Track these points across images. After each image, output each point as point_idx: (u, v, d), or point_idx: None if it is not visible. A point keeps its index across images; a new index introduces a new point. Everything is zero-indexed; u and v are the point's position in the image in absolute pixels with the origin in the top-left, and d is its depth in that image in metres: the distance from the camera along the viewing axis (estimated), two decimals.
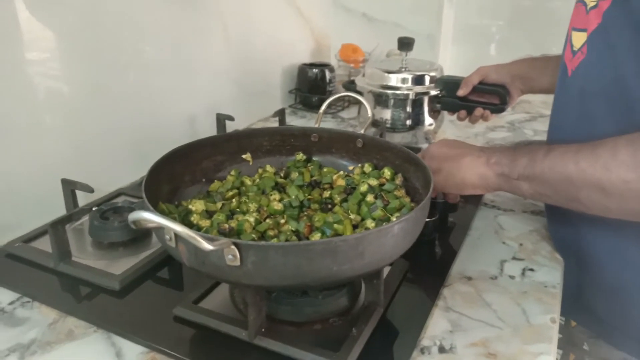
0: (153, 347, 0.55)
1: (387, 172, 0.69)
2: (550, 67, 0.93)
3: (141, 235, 0.74)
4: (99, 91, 0.86)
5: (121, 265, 0.67)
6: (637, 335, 0.70)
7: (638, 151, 0.53)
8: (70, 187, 0.77)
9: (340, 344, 0.54)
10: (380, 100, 1.10)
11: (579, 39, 0.66)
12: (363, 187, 0.67)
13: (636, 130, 0.55)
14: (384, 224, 0.60)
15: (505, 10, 1.56)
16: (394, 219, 0.61)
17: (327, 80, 1.38)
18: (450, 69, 1.61)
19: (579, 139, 0.60)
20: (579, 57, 0.66)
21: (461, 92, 1.02)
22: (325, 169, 0.74)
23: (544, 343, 0.57)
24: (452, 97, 1.05)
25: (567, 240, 0.74)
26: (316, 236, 0.58)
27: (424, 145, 1.12)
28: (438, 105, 1.09)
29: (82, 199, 0.80)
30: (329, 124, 1.30)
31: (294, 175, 0.72)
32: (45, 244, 0.69)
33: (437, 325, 0.60)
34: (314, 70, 1.38)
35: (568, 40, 0.69)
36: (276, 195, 0.67)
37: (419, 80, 1.08)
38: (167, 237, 0.49)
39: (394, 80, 1.08)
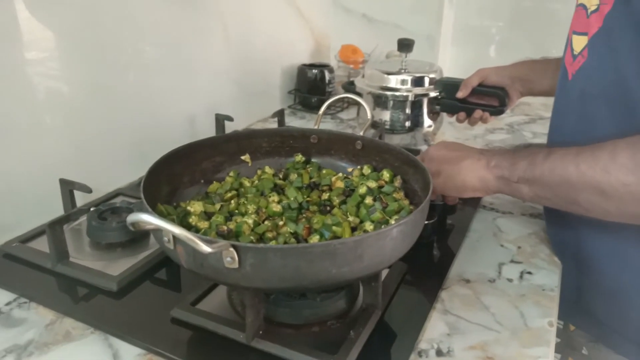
0: (150, 348, 0.55)
1: (386, 174, 0.69)
2: (550, 70, 0.93)
3: (139, 236, 0.74)
4: (98, 91, 0.86)
5: (119, 266, 0.67)
6: (636, 338, 0.70)
7: (637, 154, 0.53)
8: (68, 187, 0.77)
9: (338, 347, 0.54)
10: (379, 101, 1.10)
11: (579, 42, 0.66)
12: (362, 189, 0.67)
13: (637, 132, 0.55)
14: (383, 226, 0.60)
15: (505, 11, 1.56)
16: (393, 222, 0.61)
17: (327, 81, 1.38)
18: (450, 70, 1.61)
19: (579, 141, 0.60)
20: (579, 60, 0.66)
21: (460, 94, 1.02)
22: (324, 171, 0.74)
23: (542, 346, 0.57)
24: (452, 99, 1.05)
25: (566, 243, 0.74)
26: (315, 238, 0.58)
27: (423, 147, 1.12)
28: (437, 107, 1.09)
29: (81, 199, 0.80)
30: (328, 124, 1.30)
31: (293, 176, 0.72)
32: (43, 244, 0.69)
33: (435, 328, 0.60)
34: (314, 71, 1.38)
35: (568, 44, 0.69)
36: (275, 197, 0.67)
37: (418, 81, 1.08)
38: (166, 239, 0.48)
39: (393, 81, 1.08)
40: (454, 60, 1.66)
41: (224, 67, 1.16)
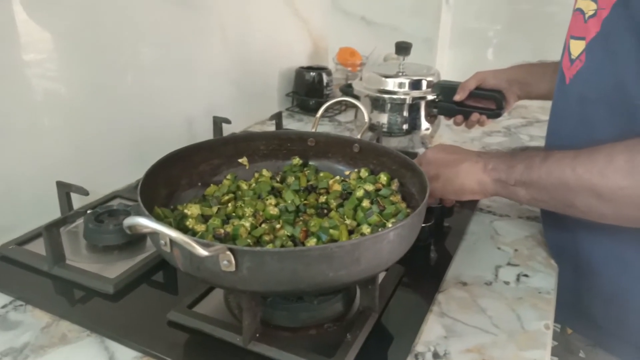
0: (147, 351, 0.55)
1: (383, 178, 0.69)
2: (547, 74, 0.93)
3: (136, 238, 0.74)
4: (96, 93, 0.86)
5: (116, 269, 0.67)
6: (634, 341, 0.70)
7: (634, 158, 0.53)
8: (65, 190, 0.77)
9: (335, 350, 0.54)
10: (377, 104, 1.11)
11: (577, 47, 0.66)
12: (359, 192, 0.67)
13: (635, 135, 0.55)
14: (380, 229, 0.60)
15: (503, 14, 1.57)
16: (390, 225, 0.61)
17: (325, 84, 1.38)
18: (448, 73, 1.62)
19: (578, 145, 0.60)
20: (577, 65, 0.66)
21: (458, 97, 1.03)
22: (321, 174, 0.74)
23: (539, 349, 0.57)
24: (449, 102, 1.05)
25: (563, 246, 0.75)
26: (312, 241, 0.58)
27: (421, 150, 1.13)
28: (435, 110, 1.10)
29: (78, 201, 0.80)
30: (325, 127, 1.30)
31: (290, 179, 0.72)
32: (39, 247, 0.69)
33: (431, 330, 0.60)
34: (312, 73, 1.38)
35: (566, 49, 0.69)
36: (272, 200, 0.67)
37: (416, 84, 1.08)
38: (162, 242, 0.48)
39: (391, 84, 1.09)
40: (451, 63, 1.66)
41: (222, 69, 1.16)
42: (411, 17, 1.54)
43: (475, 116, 1.03)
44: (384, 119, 1.10)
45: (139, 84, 0.94)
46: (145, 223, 0.43)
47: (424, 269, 0.73)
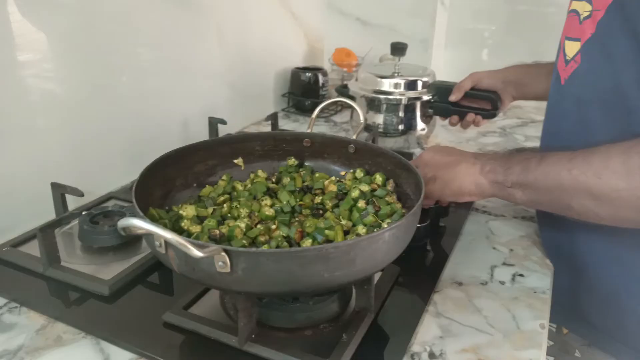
0: (142, 353, 0.55)
1: (378, 178, 0.69)
2: (542, 74, 0.94)
3: (131, 239, 0.73)
4: (92, 93, 0.86)
5: (111, 270, 0.67)
6: (631, 342, 0.70)
7: (630, 160, 0.53)
8: (60, 191, 0.76)
9: (331, 350, 0.54)
10: (372, 104, 1.11)
11: (572, 48, 0.66)
12: (354, 193, 0.67)
13: (631, 137, 0.55)
14: (375, 230, 0.60)
15: (499, 15, 1.57)
16: (385, 225, 0.61)
17: (320, 84, 1.38)
18: (444, 73, 1.62)
19: (573, 145, 0.61)
20: (572, 66, 0.66)
21: (453, 98, 1.03)
22: (317, 174, 0.74)
23: (534, 349, 0.58)
24: (444, 102, 1.06)
25: (559, 246, 0.75)
26: (307, 242, 0.58)
27: (416, 150, 1.13)
28: (430, 110, 1.10)
29: (73, 202, 0.80)
30: (321, 128, 1.30)
31: (286, 180, 0.72)
32: (34, 249, 0.69)
33: (427, 330, 0.60)
34: (307, 74, 1.38)
35: (561, 49, 0.70)
36: (267, 201, 0.67)
37: (411, 85, 1.08)
38: (157, 243, 0.48)
39: (386, 85, 1.09)
40: (447, 63, 1.67)
41: (218, 70, 1.16)
42: (407, 17, 1.54)
43: (470, 116, 1.03)
44: (379, 119, 1.11)
45: (134, 84, 0.94)
46: (140, 224, 0.43)
47: (419, 269, 0.73)
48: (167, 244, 0.48)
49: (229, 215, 0.64)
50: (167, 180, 0.67)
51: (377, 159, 0.72)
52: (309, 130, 0.79)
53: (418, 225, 0.62)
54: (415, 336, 0.59)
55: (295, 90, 1.41)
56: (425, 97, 1.08)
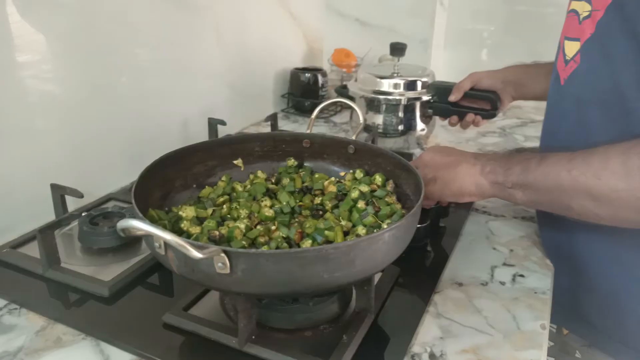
0: (142, 354, 0.55)
1: (378, 179, 0.69)
2: (541, 74, 0.94)
3: (131, 241, 0.73)
4: (91, 94, 0.86)
5: (111, 272, 0.66)
6: (631, 342, 0.70)
7: (629, 160, 0.53)
8: (59, 192, 0.76)
9: (331, 351, 0.54)
10: (372, 105, 1.11)
11: (571, 48, 0.66)
12: (354, 194, 0.67)
13: (631, 137, 0.55)
14: (375, 230, 0.60)
15: (498, 15, 1.57)
16: (385, 226, 0.61)
17: (320, 85, 1.38)
18: (443, 73, 1.62)
19: (573, 146, 0.61)
20: (571, 65, 0.66)
21: (453, 98, 1.03)
22: (316, 175, 0.74)
23: (534, 349, 0.57)
24: (444, 103, 1.06)
25: (559, 247, 0.75)
26: (307, 243, 0.58)
27: (416, 150, 1.13)
28: (430, 111, 1.10)
29: (73, 203, 0.80)
30: (321, 128, 1.30)
31: (285, 181, 0.72)
32: (33, 250, 0.69)
33: (427, 331, 0.60)
34: (307, 74, 1.38)
35: (560, 49, 0.70)
36: (267, 202, 0.67)
37: (411, 85, 1.08)
38: (157, 244, 0.48)
39: (386, 85, 1.09)
40: (447, 63, 1.67)
41: (217, 71, 1.16)
42: (406, 18, 1.54)
43: (470, 117, 1.03)
44: (379, 119, 1.10)
45: (134, 85, 0.94)
46: (139, 226, 0.43)
47: (419, 270, 0.73)
48: (167, 245, 0.48)
49: (228, 216, 0.64)
50: (167, 181, 0.67)
51: (377, 159, 0.72)
52: (308, 131, 0.79)
53: (418, 225, 0.62)
54: (415, 337, 0.59)
55: (294, 90, 1.41)
56: (425, 98, 1.08)
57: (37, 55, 0.77)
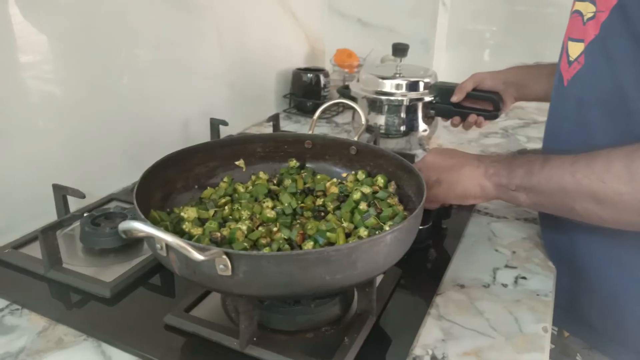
0: (144, 355, 0.55)
1: (380, 180, 0.69)
2: (543, 75, 0.94)
3: (132, 241, 0.73)
4: (92, 95, 0.86)
5: (112, 272, 0.66)
6: (632, 345, 0.70)
7: (632, 164, 0.53)
8: (61, 193, 0.76)
9: (333, 353, 0.54)
10: (374, 106, 1.11)
11: (575, 49, 0.66)
12: (356, 195, 0.67)
13: (633, 140, 0.55)
14: (377, 232, 0.60)
15: (500, 15, 1.57)
16: (387, 228, 0.61)
17: (322, 85, 1.38)
18: (445, 74, 1.62)
19: (575, 147, 0.61)
20: (575, 67, 0.66)
21: (455, 99, 1.03)
22: (318, 176, 0.74)
23: (536, 352, 0.57)
24: (446, 104, 1.05)
25: (561, 249, 0.75)
26: (309, 245, 0.58)
27: (418, 151, 1.13)
28: (432, 112, 1.10)
29: (74, 203, 0.80)
30: (323, 129, 1.30)
31: (287, 182, 0.72)
32: (35, 250, 0.69)
33: (429, 333, 0.60)
34: (309, 75, 1.38)
35: (564, 50, 0.69)
36: (269, 203, 0.67)
37: (413, 86, 1.08)
38: (158, 246, 0.48)
39: (388, 86, 1.09)
40: (448, 64, 1.66)
41: (219, 71, 1.16)
42: (408, 18, 1.54)
43: (472, 117, 1.03)
44: (381, 120, 1.10)
45: (135, 85, 0.94)
46: (141, 227, 0.43)
47: (421, 271, 0.73)
48: (168, 247, 0.48)
49: (230, 217, 0.64)
50: (168, 182, 0.67)
51: (379, 160, 0.72)
52: (310, 132, 0.79)
53: (420, 227, 0.61)
54: (417, 339, 0.59)
55: (296, 91, 1.41)
56: (427, 98, 1.08)
57: (39, 55, 0.77)
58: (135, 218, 0.52)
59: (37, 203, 0.77)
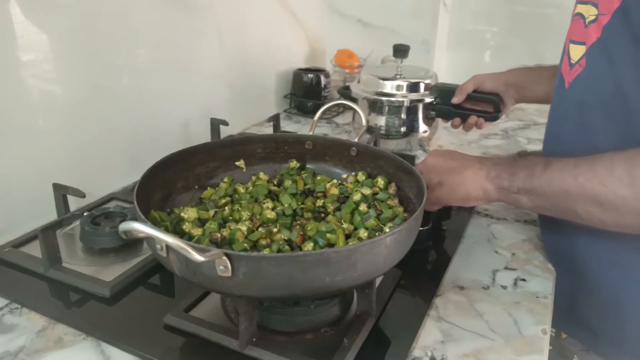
0: (143, 355, 0.55)
1: (380, 181, 0.69)
2: (544, 77, 0.94)
3: (132, 241, 0.73)
4: (93, 94, 0.86)
5: (112, 272, 0.67)
6: (630, 348, 0.70)
7: (634, 168, 0.54)
8: (61, 192, 0.76)
9: (332, 354, 0.54)
10: (374, 106, 1.11)
11: (577, 51, 0.66)
12: (356, 196, 0.67)
13: (634, 143, 0.56)
14: (377, 234, 0.60)
15: (501, 16, 1.57)
16: (387, 229, 0.61)
17: (322, 86, 1.38)
18: (446, 75, 1.62)
19: (576, 150, 0.61)
20: (576, 69, 0.66)
21: (455, 100, 1.03)
22: (318, 177, 0.74)
23: (536, 354, 0.57)
24: (447, 105, 1.05)
25: (560, 251, 0.75)
26: (309, 246, 0.58)
27: (419, 152, 1.13)
28: (432, 113, 1.10)
29: (74, 202, 0.80)
30: (323, 129, 1.30)
31: (288, 183, 0.72)
32: (35, 249, 0.69)
33: (429, 335, 0.60)
34: (309, 75, 1.38)
35: (565, 53, 0.70)
36: (269, 204, 0.67)
37: (413, 87, 1.08)
38: (158, 246, 0.48)
39: (388, 87, 1.09)
40: (449, 64, 1.66)
41: (219, 71, 1.16)
42: (409, 19, 1.54)
43: (472, 119, 1.03)
44: (381, 121, 1.10)
45: (135, 85, 0.94)
46: (141, 228, 0.43)
47: (421, 273, 0.73)
48: (169, 247, 0.48)
49: (230, 218, 0.64)
50: (168, 183, 0.67)
51: (379, 162, 0.72)
52: (311, 133, 0.79)
53: (420, 228, 0.61)
54: (416, 340, 0.59)
55: (297, 91, 1.41)
56: (428, 100, 1.08)
57: (39, 55, 0.77)
58: (135, 218, 0.52)
59: (37, 202, 0.77)
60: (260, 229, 0.61)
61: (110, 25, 0.87)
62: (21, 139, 0.76)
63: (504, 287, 0.69)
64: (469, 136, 1.25)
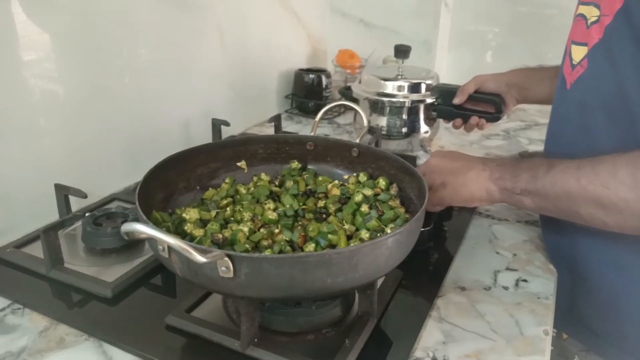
0: (145, 356, 0.55)
1: (382, 182, 0.69)
2: (546, 78, 0.94)
3: (134, 241, 0.73)
4: (93, 94, 0.86)
5: (114, 272, 0.67)
6: (630, 349, 0.70)
7: (637, 171, 0.54)
8: (63, 192, 0.77)
9: (334, 355, 0.54)
10: (376, 107, 1.11)
11: (578, 52, 0.66)
12: (358, 197, 0.67)
13: (636, 145, 0.56)
14: (379, 235, 0.60)
15: (502, 16, 1.57)
16: (389, 230, 0.61)
17: (324, 86, 1.38)
18: (447, 75, 1.62)
19: (577, 151, 0.61)
20: (578, 70, 0.66)
21: (457, 101, 1.03)
22: (320, 178, 0.74)
23: (537, 355, 0.57)
24: (448, 105, 1.05)
25: (561, 252, 0.75)
26: (310, 247, 0.58)
27: (420, 153, 1.13)
28: (434, 113, 1.10)
29: (76, 203, 0.80)
30: (325, 129, 1.30)
31: (289, 184, 0.72)
32: (37, 250, 0.69)
33: (430, 336, 0.60)
34: (311, 75, 1.38)
35: (567, 54, 0.70)
36: (271, 204, 0.67)
37: (415, 88, 1.08)
38: (160, 247, 0.48)
39: (390, 87, 1.09)
40: (450, 66, 1.66)
41: (220, 71, 1.16)
42: (410, 19, 1.54)
43: (474, 119, 1.03)
44: (383, 122, 1.10)
45: (136, 85, 0.94)
46: (143, 229, 0.43)
47: (422, 273, 0.73)
48: (170, 248, 0.48)
49: (232, 218, 0.64)
50: (170, 183, 0.67)
51: (380, 162, 0.72)
52: (312, 134, 0.79)
53: (421, 229, 0.61)
54: (418, 341, 0.59)
55: (298, 91, 1.41)
56: (429, 100, 1.08)
57: (41, 54, 0.77)
58: (137, 219, 0.52)
59: (39, 203, 0.77)
60: (261, 230, 0.61)
61: (111, 25, 0.87)
62: (22, 139, 0.76)
63: (506, 288, 0.69)
64: (470, 137, 1.25)
